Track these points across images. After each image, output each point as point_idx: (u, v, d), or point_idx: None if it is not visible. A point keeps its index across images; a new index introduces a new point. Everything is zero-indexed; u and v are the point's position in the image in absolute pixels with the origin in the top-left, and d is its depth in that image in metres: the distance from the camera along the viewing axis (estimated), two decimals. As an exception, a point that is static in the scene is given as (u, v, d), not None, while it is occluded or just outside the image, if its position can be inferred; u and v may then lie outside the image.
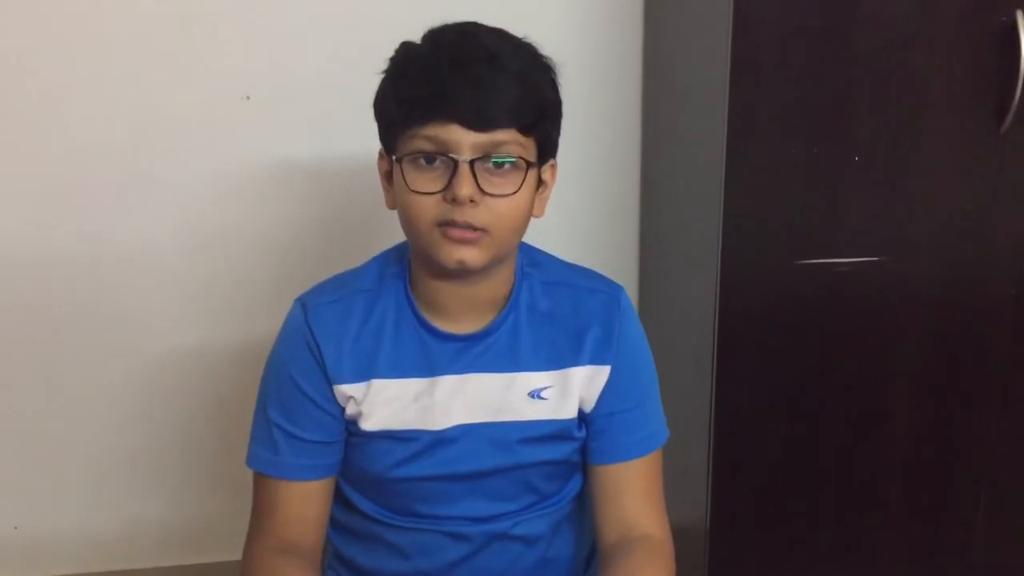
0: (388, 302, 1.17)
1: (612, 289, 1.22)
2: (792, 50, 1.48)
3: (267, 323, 1.82)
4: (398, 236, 1.29)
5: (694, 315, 1.68)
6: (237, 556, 1.19)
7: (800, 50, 1.48)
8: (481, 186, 1.05)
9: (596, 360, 1.18)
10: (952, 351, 1.63)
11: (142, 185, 1.79)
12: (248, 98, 1.78)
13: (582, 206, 1.96)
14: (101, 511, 1.97)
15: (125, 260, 1.83)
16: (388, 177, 1.13)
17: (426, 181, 1.06)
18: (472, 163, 1.04)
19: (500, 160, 1.06)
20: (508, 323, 1.17)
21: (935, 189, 1.55)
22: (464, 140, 1.04)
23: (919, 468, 1.68)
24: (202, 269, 1.85)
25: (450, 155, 1.04)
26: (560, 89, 1.12)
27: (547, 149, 1.12)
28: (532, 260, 1.22)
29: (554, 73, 1.12)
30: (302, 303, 1.18)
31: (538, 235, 1.22)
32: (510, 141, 1.06)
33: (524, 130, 1.07)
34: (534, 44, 1.11)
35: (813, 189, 1.54)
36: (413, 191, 1.06)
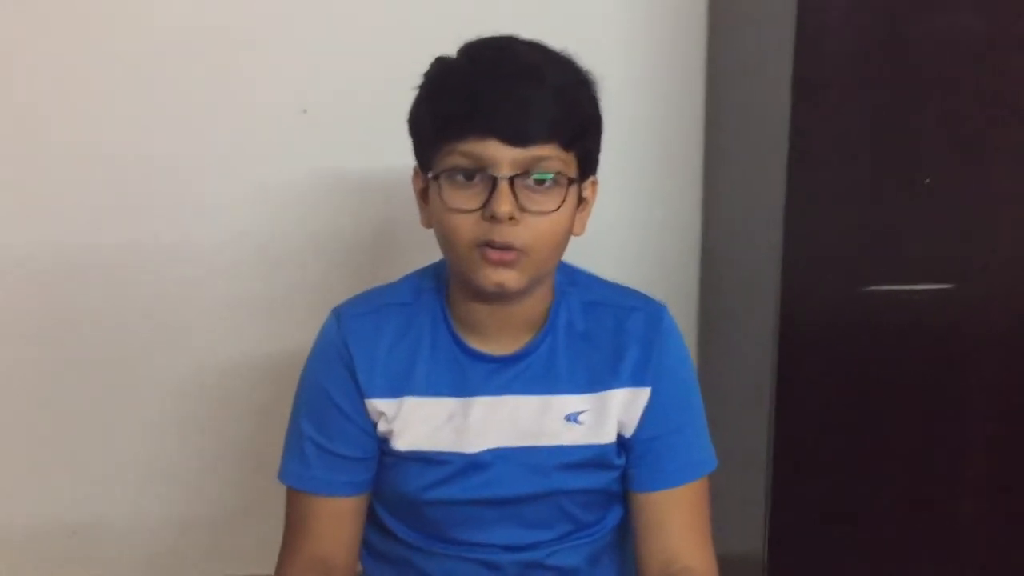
0: (424, 319, 1.15)
1: (653, 308, 1.18)
2: (857, 70, 1.43)
3: (313, 337, 1.83)
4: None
5: (753, 341, 1.63)
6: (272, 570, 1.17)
7: (865, 70, 1.42)
8: (521, 203, 1.02)
9: (635, 382, 1.14)
10: (1028, 383, 1.54)
11: (194, 197, 1.80)
12: (305, 112, 1.78)
13: (641, 226, 1.92)
14: (144, 519, 1.97)
15: (175, 272, 1.83)
16: (424, 195, 1.10)
17: (464, 199, 1.03)
18: (512, 180, 1.01)
19: (541, 176, 1.03)
20: (545, 344, 1.14)
21: (1008, 213, 1.48)
22: (503, 156, 1.01)
23: (993, 508, 1.59)
24: (254, 282, 1.85)
25: (488, 172, 1.02)
26: (600, 104, 1.09)
27: (588, 165, 1.09)
28: (571, 279, 1.19)
29: (594, 87, 1.09)
30: (337, 314, 1.16)
31: (592, 255, 1.18)
32: (550, 157, 1.03)
33: (565, 145, 1.04)
34: (573, 58, 1.08)
35: (879, 212, 1.47)
36: (450, 209, 1.03)
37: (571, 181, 1.05)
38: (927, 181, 1.46)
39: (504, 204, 1.01)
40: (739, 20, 1.74)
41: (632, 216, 1.90)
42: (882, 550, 1.62)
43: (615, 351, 1.14)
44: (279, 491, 1.20)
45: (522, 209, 1.02)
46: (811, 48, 1.41)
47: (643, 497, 1.16)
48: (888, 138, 1.44)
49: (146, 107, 1.75)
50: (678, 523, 1.15)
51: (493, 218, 1.01)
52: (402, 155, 1.74)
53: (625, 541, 1.25)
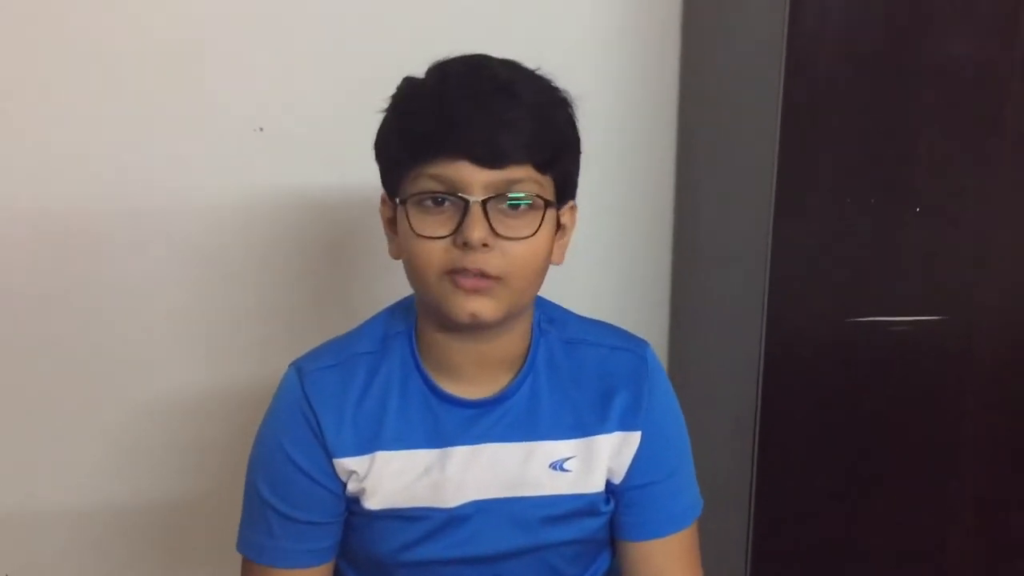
0: (393, 364, 1.06)
1: (638, 347, 1.11)
2: (850, 92, 1.37)
3: (277, 362, 1.75)
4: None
5: (734, 373, 1.57)
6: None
7: (859, 92, 1.37)
8: (495, 228, 0.94)
9: (625, 426, 1.07)
10: (1019, 419, 1.49)
11: (148, 216, 1.72)
12: (261, 129, 1.70)
13: (607, 253, 1.85)
14: (98, 555, 1.88)
15: (128, 295, 1.75)
16: (392, 224, 1.03)
17: (433, 225, 0.95)
18: (484, 203, 0.94)
19: (515, 199, 0.95)
20: (526, 386, 1.06)
21: (1003, 243, 1.43)
22: (475, 178, 0.94)
23: (983, 547, 1.55)
24: (209, 304, 1.78)
25: (460, 195, 0.94)
26: (577, 125, 1.03)
27: (566, 189, 1.02)
28: (549, 316, 1.11)
29: (571, 107, 1.02)
30: (297, 369, 1.07)
31: (560, 282, 1.11)
32: (526, 179, 0.96)
33: (541, 167, 0.97)
34: (548, 76, 1.01)
35: (868, 241, 1.42)
36: (419, 236, 0.96)
37: (548, 204, 0.98)
38: (917, 210, 1.41)
39: (477, 230, 0.93)
40: (718, 42, 1.69)
41: (598, 244, 1.84)
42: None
43: (602, 393, 1.07)
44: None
45: (496, 235, 0.95)
46: (801, 73, 1.36)
47: (634, 547, 1.10)
48: (881, 164, 1.40)
49: (96, 126, 1.67)
50: (675, 573, 1.09)
51: (465, 245, 0.94)
52: (366, 174, 1.70)
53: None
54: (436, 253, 0.95)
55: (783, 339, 1.46)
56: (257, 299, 1.79)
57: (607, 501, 1.09)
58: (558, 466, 1.05)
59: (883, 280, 1.44)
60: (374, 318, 1.12)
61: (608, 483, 1.08)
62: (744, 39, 1.56)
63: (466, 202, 0.94)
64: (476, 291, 0.95)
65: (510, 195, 0.95)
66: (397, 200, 0.99)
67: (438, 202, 0.95)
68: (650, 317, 1.89)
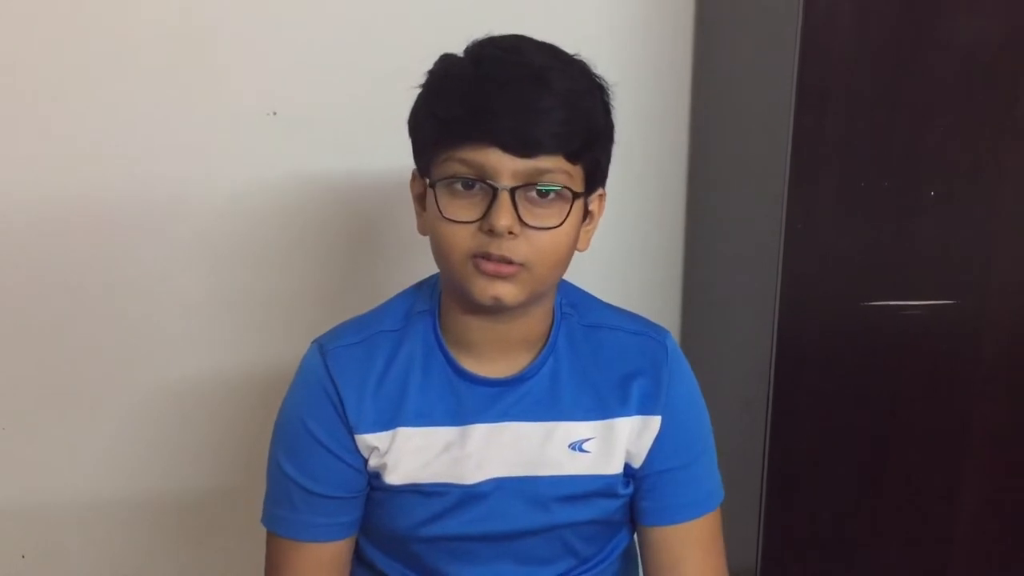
0: (415, 343, 1.07)
1: (658, 334, 1.12)
2: (863, 76, 1.37)
3: (291, 347, 1.75)
4: (431, 260, 1.20)
5: (747, 358, 1.57)
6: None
7: (872, 76, 1.37)
8: (521, 217, 0.95)
9: (645, 410, 1.07)
10: (1030, 403, 1.50)
11: (161, 202, 1.72)
12: (274, 114, 1.70)
13: (619, 238, 1.85)
14: (115, 542, 1.88)
15: (143, 280, 1.75)
16: (421, 200, 1.02)
17: (461, 208, 0.96)
18: (513, 191, 0.94)
19: (544, 189, 0.96)
20: (547, 367, 1.07)
21: (1012, 228, 1.43)
22: (504, 166, 0.94)
23: (990, 530, 1.56)
24: (223, 290, 1.77)
25: (488, 182, 0.94)
26: (612, 112, 1.02)
27: (595, 178, 1.02)
28: (571, 301, 1.11)
29: (607, 95, 1.02)
30: (320, 346, 1.07)
31: (572, 265, 1.12)
32: (555, 169, 0.95)
33: (571, 157, 0.96)
34: (586, 62, 1.01)
35: (883, 225, 1.42)
36: (446, 219, 0.96)
37: (576, 195, 0.98)
38: (932, 194, 1.41)
39: (504, 217, 0.94)
40: (732, 26, 1.68)
41: (611, 227, 1.82)
42: (878, 570, 1.57)
43: (622, 377, 1.08)
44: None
45: (523, 223, 0.95)
46: (816, 51, 1.36)
47: (656, 532, 1.10)
48: (895, 147, 1.39)
49: (108, 111, 1.66)
50: (694, 563, 1.09)
51: (491, 231, 0.94)
52: (380, 158, 1.70)
53: (630, 566, 1.20)
54: (462, 236, 0.96)
55: (797, 323, 1.46)
56: (270, 285, 1.78)
57: (625, 484, 1.09)
58: (577, 447, 1.06)
59: (897, 264, 1.44)
60: (398, 296, 1.12)
61: (628, 467, 1.08)
62: (757, 24, 1.56)
63: (495, 189, 0.94)
64: (499, 276, 0.96)
65: (539, 184, 0.95)
66: (427, 180, 0.99)
67: (467, 186, 0.96)
68: (663, 300, 1.88)
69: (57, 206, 1.71)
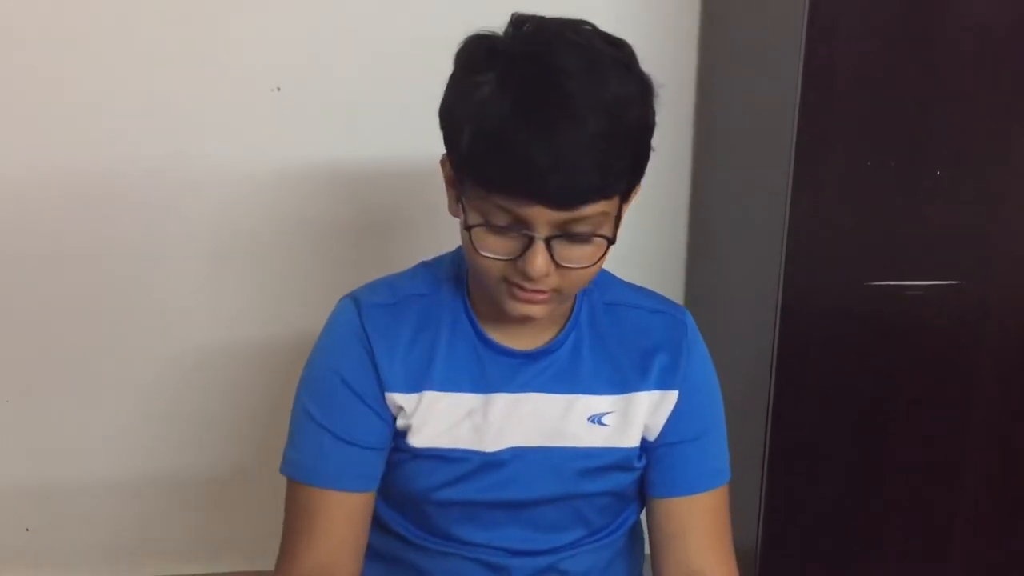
0: (444, 309, 1.08)
1: (678, 312, 1.13)
2: (870, 57, 1.38)
3: (296, 324, 1.75)
4: (440, 240, 1.20)
5: (751, 337, 1.58)
6: (261, 566, 1.10)
7: (879, 57, 1.38)
8: (556, 260, 0.95)
9: (663, 385, 1.09)
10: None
11: (164, 180, 1.72)
12: (278, 89, 1.70)
13: (627, 215, 1.86)
14: (118, 516, 1.90)
15: (147, 257, 1.75)
16: (453, 182, 1.00)
17: (497, 244, 0.95)
18: (548, 239, 0.94)
19: (580, 236, 0.95)
20: (569, 341, 1.08)
21: (1014, 209, 1.45)
22: (544, 218, 0.92)
23: (992, 509, 1.58)
24: (227, 267, 1.78)
25: (525, 232, 0.93)
26: (654, 115, 0.98)
27: (635, 185, 1.00)
28: (593, 279, 1.11)
29: (648, 97, 0.97)
30: (355, 301, 1.08)
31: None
32: (593, 214, 0.94)
33: (610, 195, 0.95)
34: (622, 60, 0.95)
35: (886, 206, 1.44)
36: (482, 255, 0.96)
37: (610, 241, 0.97)
38: (937, 173, 1.42)
39: (539, 266, 0.94)
40: (739, 8, 1.68)
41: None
42: (879, 549, 1.60)
43: (641, 353, 1.09)
44: (271, 484, 1.12)
45: (557, 264, 0.95)
46: (824, 33, 1.37)
47: (663, 503, 1.11)
48: (901, 127, 1.41)
49: (114, 90, 1.67)
50: (699, 533, 1.11)
51: (525, 275, 0.95)
52: (384, 136, 1.70)
53: (636, 544, 1.21)
54: (498, 266, 0.96)
55: (801, 302, 1.47)
56: (278, 259, 1.80)
57: (640, 457, 1.11)
58: (596, 420, 1.07)
59: (901, 245, 1.45)
60: (422, 264, 1.13)
61: (643, 440, 1.10)
62: (766, 6, 1.56)
63: (531, 237, 0.93)
64: (531, 301, 0.98)
65: (575, 230, 0.94)
66: (461, 205, 0.97)
67: (504, 228, 0.94)
68: (667, 278, 1.90)
69: (65, 183, 1.71)
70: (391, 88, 1.70)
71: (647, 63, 0.99)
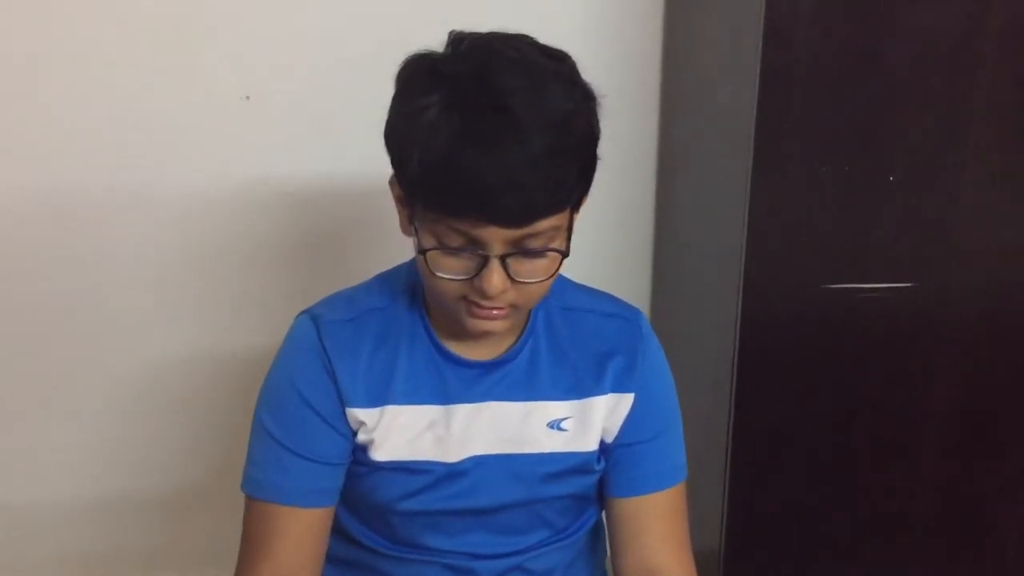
0: (402, 323, 1.08)
1: (631, 314, 1.15)
2: (824, 63, 1.40)
3: (265, 337, 1.75)
4: (409, 252, 1.20)
5: (712, 340, 1.60)
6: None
7: (833, 63, 1.40)
8: (512, 276, 0.96)
9: (619, 388, 1.10)
10: (987, 383, 1.55)
11: (136, 188, 1.71)
12: (248, 98, 1.69)
13: (590, 219, 1.87)
14: (73, 535, 1.89)
15: (118, 266, 1.74)
16: (402, 200, 1.01)
17: (452, 264, 0.96)
18: (503, 257, 0.95)
19: (534, 251, 0.96)
20: (527, 349, 1.09)
21: (974, 212, 1.47)
22: (496, 237, 0.93)
23: (951, 506, 1.60)
24: (199, 277, 1.78)
25: (480, 252, 0.94)
26: (599, 126, 0.98)
27: (584, 193, 1.01)
28: None
29: (593, 113, 0.97)
30: (313, 318, 1.08)
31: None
32: (547, 229, 0.95)
33: (562, 208, 0.96)
34: (564, 73, 0.96)
35: (843, 209, 1.46)
36: (437, 276, 0.97)
37: (564, 255, 0.99)
38: (890, 179, 1.44)
39: (495, 284, 0.95)
40: (700, 10, 1.70)
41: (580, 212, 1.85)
42: (840, 548, 1.62)
43: (597, 357, 1.10)
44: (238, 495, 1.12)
45: (513, 280, 0.96)
46: (779, 39, 1.38)
47: (621, 503, 1.13)
48: (855, 133, 1.43)
49: (83, 97, 1.66)
50: (658, 532, 1.12)
51: (482, 293, 0.96)
52: (356, 145, 1.69)
53: (597, 542, 1.23)
54: (454, 286, 0.97)
55: (760, 305, 1.49)
56: (244, 270, 1.79)
57: (599, 460, 1.12)
58: (555, 425, 1.09)
59: (858, 247, 1.47)
60: (377, 278, 1.13)
61: (601, 442, 1.11)
62: (724, 11, 1.57)
63: (486, 256, 0.94)
64: (490, 317, 0.99)
65: (529, 247, 0.95)
66: (414, 225, 0.97)
67: (457, 249, 0.95)
68: (631, 283, 1.92)
69: (30, 196, 1.69)
70: (364, 92, 1.70)
71: (611, 75, 1.01)
